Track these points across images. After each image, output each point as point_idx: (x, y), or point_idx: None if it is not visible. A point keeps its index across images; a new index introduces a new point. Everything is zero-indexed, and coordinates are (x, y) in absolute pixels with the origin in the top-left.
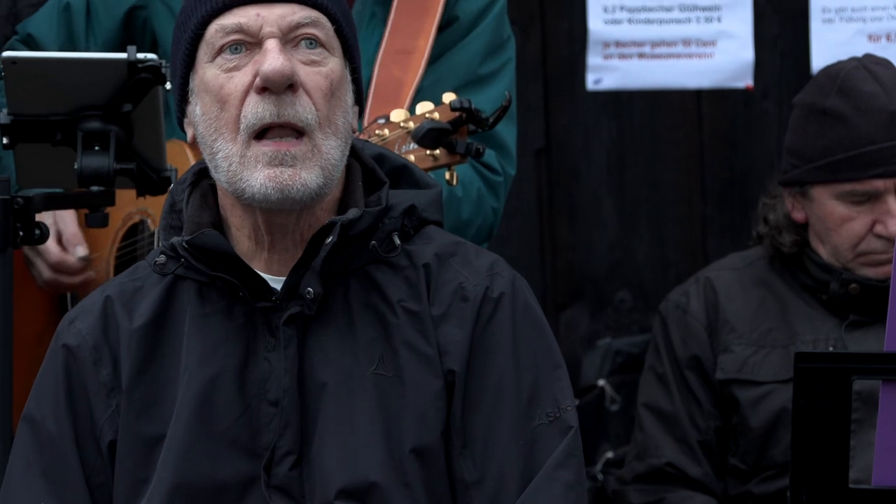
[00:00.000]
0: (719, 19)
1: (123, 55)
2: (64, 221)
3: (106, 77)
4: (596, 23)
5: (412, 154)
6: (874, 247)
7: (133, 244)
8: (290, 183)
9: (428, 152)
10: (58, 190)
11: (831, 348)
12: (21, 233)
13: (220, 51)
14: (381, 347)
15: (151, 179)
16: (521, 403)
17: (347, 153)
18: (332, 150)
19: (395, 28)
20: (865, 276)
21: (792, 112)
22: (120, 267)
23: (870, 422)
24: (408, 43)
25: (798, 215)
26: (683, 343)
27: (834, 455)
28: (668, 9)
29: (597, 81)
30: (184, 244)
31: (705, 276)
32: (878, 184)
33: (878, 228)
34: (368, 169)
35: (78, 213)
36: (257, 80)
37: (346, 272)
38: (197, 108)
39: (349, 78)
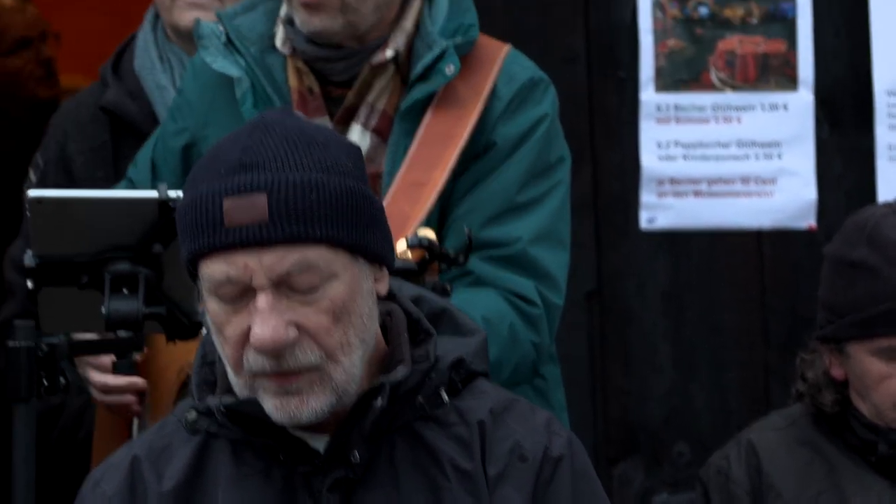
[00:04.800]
0: (780, 156)
1: (154, 193)
2: None
3: (135, 216)
4: (649, 158)
5: None
6: None
7: None
8: (297, 413)
9: None
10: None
11: None
12: (45, 382)
13: (216, 290)
14: None
15: (182, 324)
16: None
17: (373, 341)
18: (346, 370)
19: (415, 159)
20: None
21: (822, 264)
22: None
23: None
24: (422, 175)
25: (837, 372)
26: None
27: None
28: (726, 145)
29: (650, 220)
30: (222, 409)
31: (746, 437)
32: None
33: None
34: (413, 319)
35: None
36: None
37: (390, 430)
38: (205, 311)
39: (363, 270)
